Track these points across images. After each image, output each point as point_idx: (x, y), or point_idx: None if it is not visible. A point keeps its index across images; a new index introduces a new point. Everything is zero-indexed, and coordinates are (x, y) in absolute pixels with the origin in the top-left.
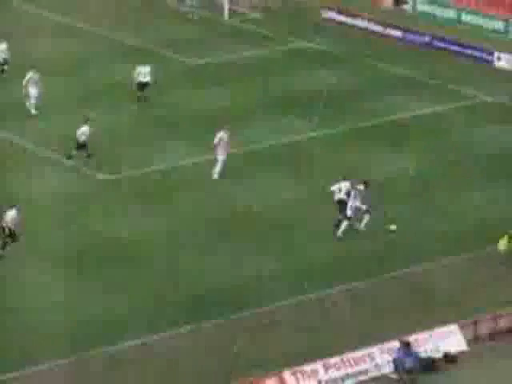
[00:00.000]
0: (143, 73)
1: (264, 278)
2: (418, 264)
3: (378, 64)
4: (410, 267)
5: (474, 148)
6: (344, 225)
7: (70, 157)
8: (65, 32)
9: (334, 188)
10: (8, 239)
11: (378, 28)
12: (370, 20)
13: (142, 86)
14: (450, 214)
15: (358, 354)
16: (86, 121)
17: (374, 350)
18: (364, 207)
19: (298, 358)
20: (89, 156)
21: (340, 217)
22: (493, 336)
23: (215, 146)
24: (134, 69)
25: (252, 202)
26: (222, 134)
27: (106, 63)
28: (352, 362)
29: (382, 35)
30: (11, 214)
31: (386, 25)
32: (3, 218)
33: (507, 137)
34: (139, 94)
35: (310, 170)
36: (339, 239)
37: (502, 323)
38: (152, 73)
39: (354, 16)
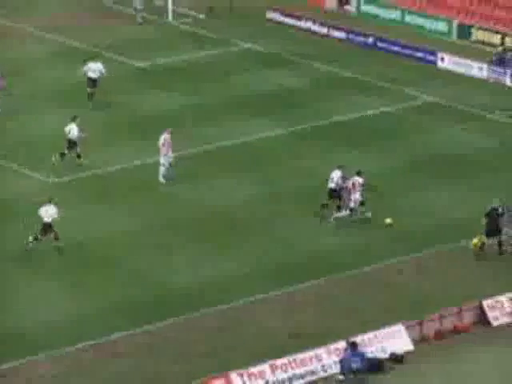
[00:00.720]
0: (93, 69)
1: (225, 278)
2: (374, 263)
3: (322, 65)
4: (366, 267)
5: (420, 148)
6: (343, 214)
7: (62, 155)
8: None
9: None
10: (42, 233)
11: (321, 29)
12: (313, 21)
13: (92, 82)
14: (403, 213)
15: (305, 355)
16: (73, 119)
17: (321, 350)
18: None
19: (258, 358)
20: (79, 156)
21: (332, 204)
22: (438, 336)
23: (160, 148)
24: (84, 65)
25: (210, 202)
26: (165, 135)
27: (51, 66)
28: (299, 362)
29: (326, 36)
30: (47, 209)
31: (329, 26)
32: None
33: (452, 137)
34: (89, 90)
35: (266, 169)
36: (329, 224)
37: (447, 323)
38: (102, 69)
39: (298, 17)
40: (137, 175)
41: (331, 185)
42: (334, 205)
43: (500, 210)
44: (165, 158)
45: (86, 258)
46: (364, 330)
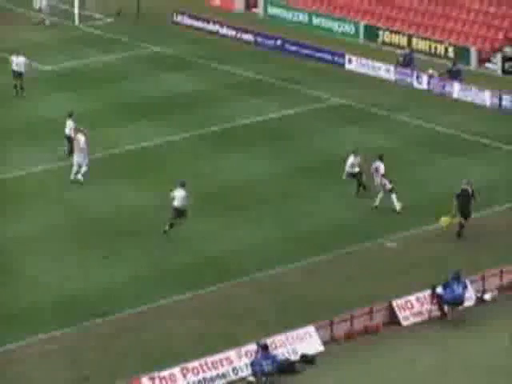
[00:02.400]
0: (16, 62)
1: (116, 285)
2: (272, 267)
3: (230, 68)
4: (267, 270)
5: (329, 150)
6: (394, 197)
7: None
8: None
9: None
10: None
11: (229, 32)
12: (221, 24)
13: (18, 74)
14: (303, 216)
15: (216, 357)
16: (69, 115)
17: (232, 353)
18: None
19: (165, 362)
20: (69, 154)
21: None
22: (349, 336)
23: (85, 148)
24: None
25: (104, 208)
26: (78, 136)
27: None
28: (210, 365)
29: (234, 39)
30: (178, 194)
31: (237, 29)
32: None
33: (362, 137)
34: (14, 82)
35: (163, 174)
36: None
37: (358, 324)
38: (26, 64)
39: (205, 20)
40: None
41: (349, 169)
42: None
43: (470, 190)
44: (85, 158)
45: None
46: (271, 332)
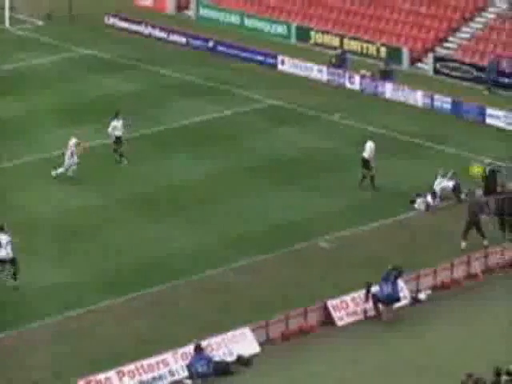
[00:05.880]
0: None
1: (61, 288)
2: (212, 267)
3: (163, 70)
4: (202, 272)
5: (265, 151)
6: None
7: None
8: None
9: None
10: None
11: (161, 34)
12: (153, 26)
13: None
14: (245, 216)
15: (152, 360)
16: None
17: (169, 355)
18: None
19: (101, 365)
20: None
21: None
22: (284, 337)
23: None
24: None
25: (44, 209)
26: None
27: None
28: (146, 368)
29: (166, 41)
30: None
31: (169, 31)
32: None
33: (291, 139)
34: None
35: (104, 176)
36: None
37: (293, 324)
38: None
39: (137, 22)
40: None
41: (364, 154)
42: (362, 173)
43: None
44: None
45: None
46: (213, 333)
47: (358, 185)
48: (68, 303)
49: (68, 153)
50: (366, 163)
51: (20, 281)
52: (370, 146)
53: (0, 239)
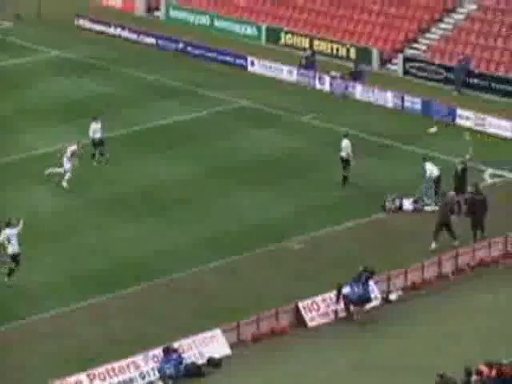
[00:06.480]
0: None
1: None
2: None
3: (133, 71)
4: (176, 273)
5: (236, 152)
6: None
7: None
8: None
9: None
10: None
11: (131, 35)
12: (123, 27)
13: None
14: (212, 218)
15: (123, 362)
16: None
17: (139, 358)
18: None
19: (73, 367)
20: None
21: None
22: (256, 338)
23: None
24: None
25: (21, 210)
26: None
27: None
28: (117, 371)
29: (136, 42)
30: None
31: (139, 32)
32: None
33: (262, 140)
34: None
35: (80, 177)
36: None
37: (264, 326)
38: None
39: (107, 24)
40: None
41: (342, 154)
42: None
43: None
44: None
45: None
46: (178, 335)
47: (341, 186)
48: (42, 304)
49: (65, 158)
50: (345, 162)
51: None
52: (346, 143)
53: (8, 234)
